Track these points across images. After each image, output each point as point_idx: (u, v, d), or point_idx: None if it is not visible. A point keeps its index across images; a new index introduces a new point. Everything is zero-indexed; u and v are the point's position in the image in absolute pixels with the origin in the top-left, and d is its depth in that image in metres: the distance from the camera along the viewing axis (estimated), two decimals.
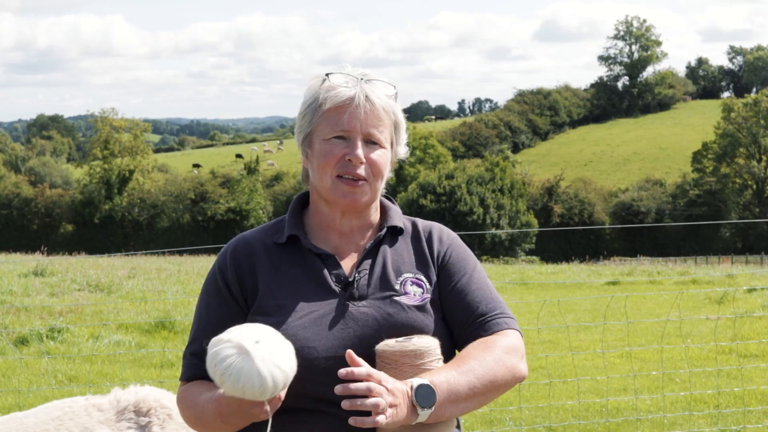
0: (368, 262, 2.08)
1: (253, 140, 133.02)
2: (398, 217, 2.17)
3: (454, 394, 1.86)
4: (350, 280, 2.05)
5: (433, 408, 1.83)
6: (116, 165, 62.74)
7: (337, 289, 2.04)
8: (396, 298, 2.03)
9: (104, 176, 62.09)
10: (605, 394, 7.33)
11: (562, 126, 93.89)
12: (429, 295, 2.06)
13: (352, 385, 1.79)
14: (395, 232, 2.15)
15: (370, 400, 1.77)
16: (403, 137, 2.16)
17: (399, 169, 62.22)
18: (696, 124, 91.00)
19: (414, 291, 2.06)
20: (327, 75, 2.07)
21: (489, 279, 2.16)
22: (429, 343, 1.93)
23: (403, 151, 2.17)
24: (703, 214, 58.98)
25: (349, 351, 1.85)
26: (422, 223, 2.20)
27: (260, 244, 2.13)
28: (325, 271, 2.06)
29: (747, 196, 63.79)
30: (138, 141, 64.87)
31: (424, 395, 1.82)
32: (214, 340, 1.80)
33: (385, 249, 2.11)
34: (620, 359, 9.16)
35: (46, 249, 33.77)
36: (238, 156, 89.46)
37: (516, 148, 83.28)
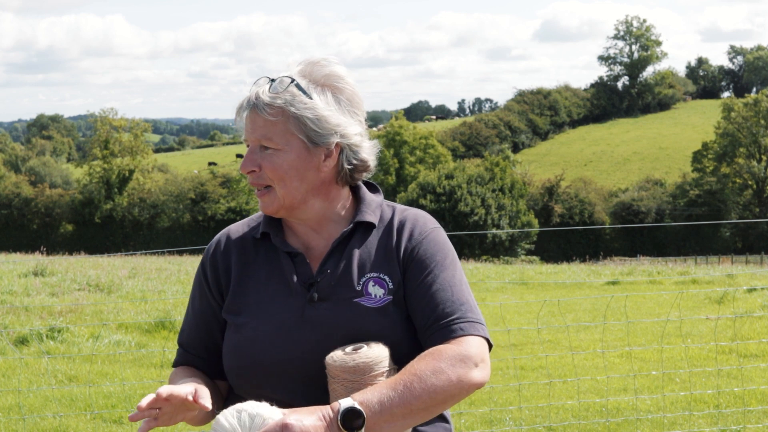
0: (334, 260, 1.99)
1: None
2: (371, 210, 2.03)
3: (389, 414, 1.77)
4: (312, 281, 1.97)
5: (362, 430, 1.75)
6: (116, 165, 62.79)
7: (300, 289, 1.97)
8: (355, 300, 1.94)
9: (104, 176, 62.14)
10: (605, 394, 7.33)
11: (562, 126, 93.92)
12: (391, 297, 1.95)
13: None
14: (368, 227, 2.02)
15: None
16: (324, 126, 1.94)
17: (399, 168, 62.24)
18: (696, 124, 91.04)
19: (375, 292, 1.95)
20: (257, 80, 2.03)
21: (462, 278, 2.00)
22: (376, 355, 1.86)
23: (334, 137, 1.95)
24: (703, 214, 59.00)
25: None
26: (399, 215, 2.04)
27: (239, 239, 2.08)
28: (291, 271, 1.99)
29: (747, 196, 63.83)
30: (138, 141, 64.94)
31: (349, 418, 1.74)
32: (214, 425, 1.76)
33: (353, 246, 2.00)
34: (620, 359, 9.16)
35: (46, 249, 33.81)
36: (239, 156, 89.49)
37: (516, 148, 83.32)
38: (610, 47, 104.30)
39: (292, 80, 1.95)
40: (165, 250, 14.10)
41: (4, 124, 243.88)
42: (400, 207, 2.08)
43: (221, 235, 2.12)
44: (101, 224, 60.20)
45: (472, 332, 1.91)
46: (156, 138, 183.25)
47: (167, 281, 16.61)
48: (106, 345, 9.56)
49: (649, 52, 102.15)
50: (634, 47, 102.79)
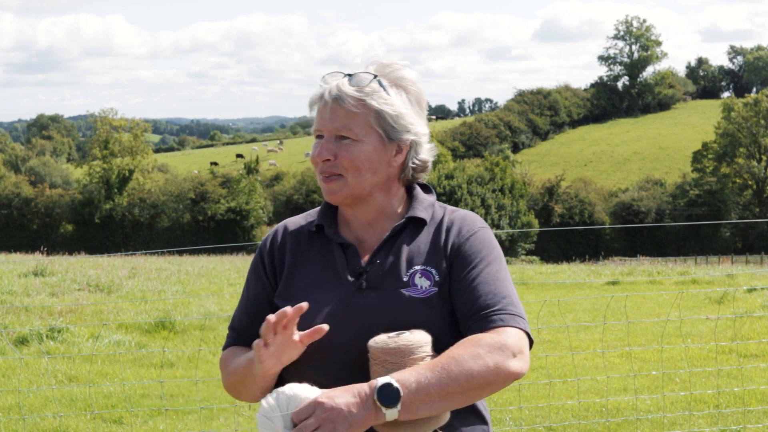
0: (384, 252, 2.08)
1: (253, 140, 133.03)
2: (423, 208, 2.13)
3: (425, 393, 1.83)
4: (362, 270, 2.07)
5: (398, 407, 1.81)
6: (116, 165, 62.77)
7: (350, 279, 2.06)
8: (402, 290, 2.02)
9: (104, 176, 62.12)
10: (605, 394, 7.33)
11: (562, 126, 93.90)
12: (436, 288, 2.03)
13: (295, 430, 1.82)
14: (419, 223, 2.12)
15: None
16: (402, 123, 2.07)
17: None
18: (696, 124, 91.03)
19: (421, 284, 2.03)
20: (324, 76, 2.12)
21: (506, 274, 2.08)
22: (417, 340, 1.92)
23: (410, 136, 2.09)
24: (703, 214, 58.99)
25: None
26: (450, 214, 2.15)
27: (296, 230, 2.20)
28: (343, 261, 2.09)
29: (747, 196, 63.81)
30: (138, 141, 64.92)
31: (386, 395, 1.81)
32: (263, 403, 1.86)
33: (403, 240, 2.09)
34: (620, 359, 9.16)
35: (46, 249, 33.81)
36: (239, 156, 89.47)
37: (516, 148, 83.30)
38: (610, 47, 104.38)
39: (375, 76, 2.06)
40: (165, 250, 14.11)
41: (4, 124, 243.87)
42: (450, 207, 2.18)
43: (279, 226, 2.23)
44: (101, 224, 60.17)
45: (512, 324, 1.98)
46: (156, 138, 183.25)
47: (167, 281, 16.61)
48: (106, 345, 9.56)
49: (649, 52, 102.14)
50: (634, 47, 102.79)
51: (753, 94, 73.74)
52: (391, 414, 1.82)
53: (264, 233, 60.78)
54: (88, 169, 62.78)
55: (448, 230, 2.10)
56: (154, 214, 60.83)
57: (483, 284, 2.02)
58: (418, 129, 2.10)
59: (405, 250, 2.07)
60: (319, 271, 2.10)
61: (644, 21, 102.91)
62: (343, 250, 2.10)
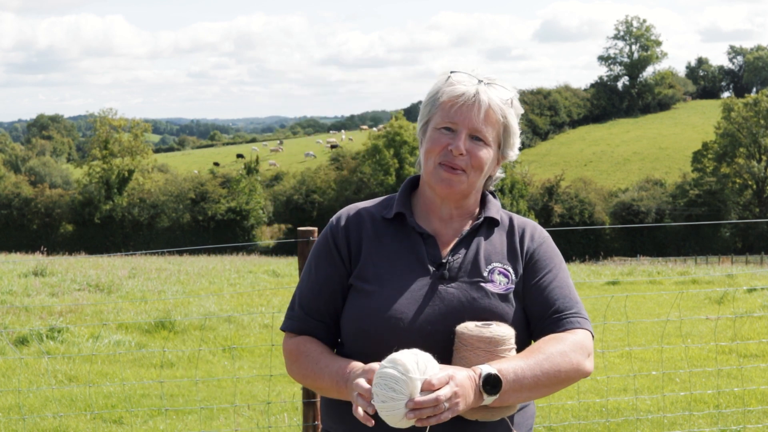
0: (463, 247, 2.24)
1: (253, 140, 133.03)
2: (496, 210, 2.31)
3: (519, 384, 2.01)
4: (443, 261, 2.20)
5: (498, 395, 1.97)
6: (116, 165, 62.74)
7: (431, 268, 2.20)
8: (482, 284, 2.18)
9: (104, 176, 62.09)
10: (605, 394, 7.33)
11: (562, 126, 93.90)
12: (513, 286, 2.20)
13: (422, 399, 1.88)
14: (492, 224, 2.30)
15: (438, 416, 1.90)
16: (514, 142, 2.28)
17: (399, 168, 62.24)
18: (696, 124, 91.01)
19: (500, 280, 2.20)
20: (451, 72, 2.25)
21: (572, 281, 2.29)
22: (505, 332, 2.07)
23: (512, 154, 2.30)
24: (703, 214, 58.98)
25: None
26: (518, 220, 2.34)
27: (369, 215, 2.30)
28: (424, 250, 2.22)
29: (747, 196, 63.79)
30: (138, 141, 64.89)
31: (491, 383, 1.96)
32: (399, 360, 1.91)
33: (481, 238, 2.26)
34: (620, 359, 9.16)
35: (46, 249, 33.80)
36: (239, 156, 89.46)
37: None
38: (610, 47, 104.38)
39: (512, 94, 2.29)
40: (165, 250, 14.11)
41: (4, 124, 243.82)
42: (515, 214, 2.38)
43: (348, 209, 2.34)
44: (101, 224, 60.15)
45: (586, 327, 2.22)
46: (156, 138, 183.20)
47: (167, 281, 16.61)
48: (106, 345, 9.55)
49: (649, 52, 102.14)
50: (634, 47, 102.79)
51: (753, 94, 73.70)
52: (488, 400, 1.98)
53: (264, 233, 60.91)
54: (87, 170, 62.76)
55: (522, 235, 2.30)
56: (154, 214, 60.82)
57: (558, 288, 2.23)
58: (516, 150, 2.32)
59: (483, 248, 2.25)
60: (400, 257, 2.22)
61: (644, 21, 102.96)
62: (423, 240, 2.24)
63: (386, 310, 2.12)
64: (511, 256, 2.25)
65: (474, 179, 2.23)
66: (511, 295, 2.19)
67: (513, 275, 2.22)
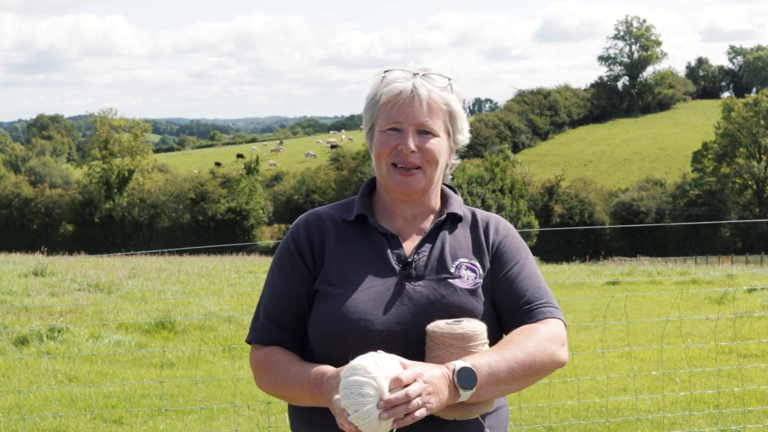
0: (428, 244, 2.22)
1: (253, 140, 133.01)
2: (458, 206, 2.30)
3: (495, 377, 1.99)
4: (409, 260, 2.19)
5: (473, 389, 1.95)
6: (116, 165, 62.73)
7: (397, 267, 2.18)
8: (450, 280, 2.17)
9: (104, 176, 62.07)
10: (605, 394, 7.33)
11: (562, 126, 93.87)
12: (481, 281, 2.19)
13: (391, 396, 1.85)
14: (455, 219, 2.28)
15: (412, 414, 1.87)
16: (462, 126, 2.25)
17: None
18: (696, 124, 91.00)
19: (467, 275, 2.19)
20: (385, 72, 2.23)
21: (539, 271, 2.27)
22: (476, 328, 2.05)
23: (463, 139, 2.28)
24: (703, 214, 58.96)
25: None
26: (481, 214, 2.33)
27: (330, 219, 2.28)
28: (388, 250, 2.20)
29: (747, 196, 63.78)
30: (138, 141, 64.87)
31: (465, 377, 1.95)
32: (357, 365, 1.88)
33: (445, 234, 2.25)
34: (620, 359, 9.15)
35: (46, 249, 33.75)
36: (239, 156, 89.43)
37: (516, 148, 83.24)
38: (610, 47, 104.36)
39: (450, 79, 2.22)
40: (165, 250, 14.11)
41: (4, 124, 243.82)
42: (476, 209, 2.37)
43: (310, 214, 2.32)
44: (101, 224, 60.13)
45: (558, 316, 2.19)
46: (156, 138, 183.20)
47: (167, 281, 16.61)
48: (106, 345, 9.55)
49: (649, 52, 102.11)
50: (634, 47, 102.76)
51: (753, 94, 73.69)
52: (465, 395, 1.96)
53: (264, 233, 60.87)
54: (87, 170, 62.74)
55: (486, 228, 2.28)
56: (153, 214, 60.80)
57: (527, 279, 2.21)
58: (466, 133, 2.29)
59: (448, 244, 2.23)
60: (364, 259, 2.20)
61: (644, 21, 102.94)
62: (387, 240, 2.22)
63: (354, 312, 2.10)
64: (477, 250, 2.24)
65: (431, 174, 2.20)
66: (480, 290, 2.18)
67: (480, 269, 2.20)
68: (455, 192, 2.35)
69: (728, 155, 63.54)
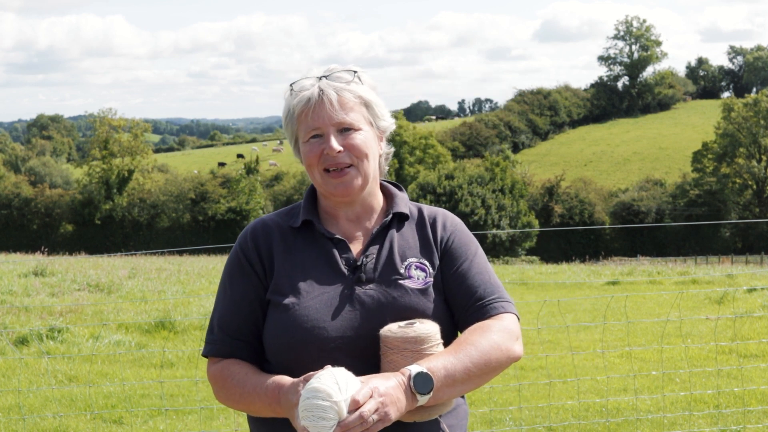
0: (375, 246, 2.20)
1: (253, 140, 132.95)
2: (404, 204, 2.27)
3: (451, 379, 1.98)
4: (358, 264, 2.16)
5: (431, 393, 1.94)
6: (116, 165, 62.74)
7: (346, 272, 2.16)
8: (400, 281, 2.15)
9: (103, 176, 62.08)
10: (605, 394, 7.33)
11: (562, 126, 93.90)
12: (431, 279, 2.17)
13: (347, 420, 1.85)
14: (401, 218, 2.26)
15: (371, 430, 1.87)
16: (382, 112, 2.23)
17: (399, 168, 62.23)
18: (696, 124, 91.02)
19: (417, 275, 2.17)
20: (291, 85, 2.22)
21: (490, 264, 2.25)
22: (429, 329, 2.03)
23: (387, 124, 2.25)
24: (703, 214, 58.98)
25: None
26: (428, 210, 2.30)
27: (276, 227, 2.25)
28: (336, 255, 2.18)
29: (747, 196, 63.80)
30: (138, 141, 64.89)
31: (421, 383, 1.93)
32: (316, 387, 1.87)
33: (392, 234, 2.22)
34: (620, 359, 9.15)
35: (46, 249, 33.78)
36: (239, 156, 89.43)
37: (516, 148, 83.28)
38: (610, 47, 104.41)
39: (355, 72, 2.21)
40: (165, 250, 14.11)
41: (4, 124, 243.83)
42: (423, 205, 2.33)
43: (256, 222, 2.30)
44: (101, 224, 60.16)
45: (510, 311, 2.18)
46: (156, 138, 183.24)
47: (167, 281, 16.61)
48: (106, 345, 9.55)
49: (649, 52, 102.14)
50: (634, 47, 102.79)
51: (753, 94, 73.70)
52: (423, 400, 1.94)
53: None
54: (87, 170, 62.76)
55: (433, 225, 2.26)
56: (154, 214, 60.82)
57: (478, 275, 2.19)
58: (388, 118, 2.26)
59: (396, 244, 2.20)
60: (313, 265, 2.17)
61: (644, 21, 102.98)
62: (334, 245, 2.19)
63: (307, 321, 2.07)
64: (426, 248, 2.21)
65: (365, 168, 2.17)
66: (431, 289, 2.15)
67: (430, 268, 2.18)
68: (400, 189, 2.32)
69: (728, 155, 63.55)
